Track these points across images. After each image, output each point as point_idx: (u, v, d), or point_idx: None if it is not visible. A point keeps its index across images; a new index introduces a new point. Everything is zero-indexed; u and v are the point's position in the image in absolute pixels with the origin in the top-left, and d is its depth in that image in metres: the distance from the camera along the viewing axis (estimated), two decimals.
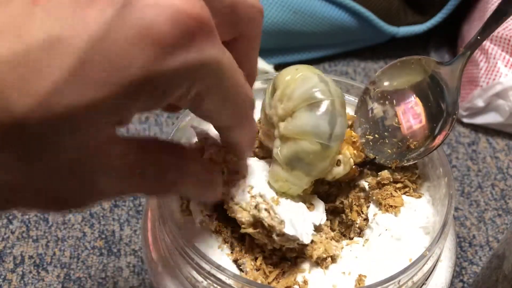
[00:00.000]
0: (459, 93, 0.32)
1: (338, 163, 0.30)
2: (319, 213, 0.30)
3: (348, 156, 0.30)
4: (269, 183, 0.29)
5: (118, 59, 0.17)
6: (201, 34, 0.19)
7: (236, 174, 0.29)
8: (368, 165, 0.33)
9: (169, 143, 0.23)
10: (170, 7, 0.18)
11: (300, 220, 0.28)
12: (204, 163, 0.27)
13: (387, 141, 0.33)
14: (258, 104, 0.30)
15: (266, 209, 0.27)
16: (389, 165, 0.32)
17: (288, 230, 0.27)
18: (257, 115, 0.31)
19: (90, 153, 0.19)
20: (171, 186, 0.22)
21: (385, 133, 0.33)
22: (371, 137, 0.33)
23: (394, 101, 0.34)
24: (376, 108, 0.34)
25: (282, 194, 0.29)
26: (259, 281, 0.28)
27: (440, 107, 0.32)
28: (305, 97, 0.27)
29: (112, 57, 0.17)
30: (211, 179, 0.25)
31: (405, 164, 0.32)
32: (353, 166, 0.31)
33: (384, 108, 0.34)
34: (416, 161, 0.32)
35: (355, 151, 0.31)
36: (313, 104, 0.27)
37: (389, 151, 0.33)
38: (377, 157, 0.33)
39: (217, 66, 0.20)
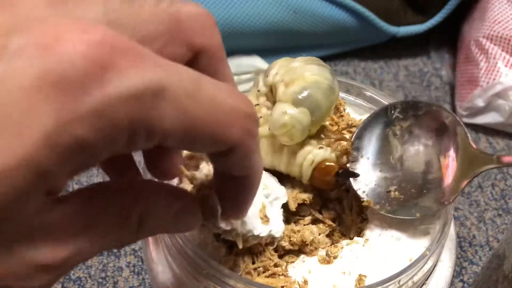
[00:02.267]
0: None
1: (321, 145, 0.31)
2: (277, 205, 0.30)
3: (330, 151, 0.31)
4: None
5: (19, 118, 0.14)
6: (118, 61, 0.15)
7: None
8: (346, 183, 0.31)
9: (121, 184, 0.19)
10: (72, 41, 0.15)
11: (255, 215, 0.28)
12: (172, 190, 0.21)
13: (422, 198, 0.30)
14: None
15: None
16: (363, 201, 0.30)
17: (230, 224, 0.27)
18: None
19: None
20: (140, 227, 0.19)
21: (424, 188, 0.30)
22: (400, 195, 0.30)
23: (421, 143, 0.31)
24: (406, 151, 0.31)
25: (283, 134, 0.29)
26: (259, 281, 0.28)
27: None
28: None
29: (12, 116, 0.14)
30: (185, 207, 0.21)
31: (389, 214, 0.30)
32: (335, 171, 0.30)
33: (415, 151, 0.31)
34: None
35: (339, 156, 0.31)
36: (320, 63, 0.31)
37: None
38: (365, 201, 0.30)
39: (164, 88, 0.16)
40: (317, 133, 0.32)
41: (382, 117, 0.32)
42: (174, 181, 0.31)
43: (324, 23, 0.64)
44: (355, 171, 0.31)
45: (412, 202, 0.30)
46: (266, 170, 0.31)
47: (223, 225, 0.26)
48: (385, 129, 0.32)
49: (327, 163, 0.30)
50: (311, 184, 0.31)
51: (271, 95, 0.31)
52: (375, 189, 0.30)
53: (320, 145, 0.31)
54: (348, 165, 0.31)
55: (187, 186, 0.27)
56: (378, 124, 0.32)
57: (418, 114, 0.31)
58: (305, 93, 0.29)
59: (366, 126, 0.32)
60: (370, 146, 0.31)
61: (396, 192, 0.30)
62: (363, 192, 0.31)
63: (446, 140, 0.31)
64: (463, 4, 0.65)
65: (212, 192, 0.26)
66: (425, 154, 0.31)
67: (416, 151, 0.31)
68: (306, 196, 0.31)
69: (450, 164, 0.30)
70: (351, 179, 0.31)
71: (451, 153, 0.30)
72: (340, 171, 0.30)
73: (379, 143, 0.31)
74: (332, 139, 0.31)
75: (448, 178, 0.30)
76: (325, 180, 0.30)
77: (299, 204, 0.31)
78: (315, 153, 0.30)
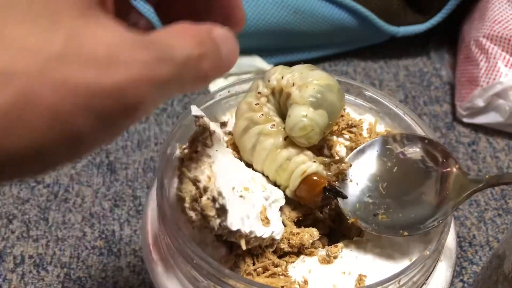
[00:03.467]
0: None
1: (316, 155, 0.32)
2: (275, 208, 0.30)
3: (323, 168, 0.31)
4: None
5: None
6: None
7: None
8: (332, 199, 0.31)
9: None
10: None
11: (253, 216, 0.28)
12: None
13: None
14: None
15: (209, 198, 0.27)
16: (349, 219, 0.30)
17: (236, 225, 0.27)
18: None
19: None
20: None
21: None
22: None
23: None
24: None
25: (302, 137, 0.30)
26: (259, 281, 0.28)
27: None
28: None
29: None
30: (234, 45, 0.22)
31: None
32: (323, 185, 0.30)
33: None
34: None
35: (331, 177, 0.31)
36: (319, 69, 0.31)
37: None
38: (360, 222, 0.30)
39: None
40: (318, 149, 0.33)
41: (375, 147, 0.32)
42: (175, 183, 0.31)
43: (324, 23, 0.64)
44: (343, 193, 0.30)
45: (398, 224, 0.30)
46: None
47: (230, 225, 0.26)
48: (377, 158, 0.32)
49: (316, 177, 0.30)
50: (296, 196, 0.31)
51: (273, 97, 0.32)
52: (362, 211, 0.30)
53: (314, 160, 0.31)
54: (337, 185, 0.31)
55: (190, 187, 0.27)
56: (371, 152, 0.32)
57: (411, 146, 0.32)
58: (322, 96, 0.30)
59: (358, 153, 0.32)
60: (360, 172, 0.32)
61: (384, 215, 0.30)
62: (350, 211, 0.30)
63: (437, 171, 0.31)
64: (463, 4, 0.65)
65: (220, 193, 0.26)
66: (415, 183, 0.31)
67: (406, 180, 0.31)
68: (299, 213, 0.31)
69: (439, 190, 0.30)
70: (339, 199, 0.30)
71: (440, 180, 0.31)
72: (328, 187, 0.30)
73: (370, 171, 0.32)
74: (327, 160, 0.32)
75: (437, 203, 0.30)
76: (310, 193, 0.30)
77: (300, 203, 0.31)
78: (309, 165, 0.30)
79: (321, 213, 0.32)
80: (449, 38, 0.69)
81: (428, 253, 0.28)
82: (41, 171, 0.17)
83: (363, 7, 0.64)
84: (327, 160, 0.32)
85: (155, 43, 0.18)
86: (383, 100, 0.36)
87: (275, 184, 0.31)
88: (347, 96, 0.36)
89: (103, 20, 0.17)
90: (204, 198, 0.26)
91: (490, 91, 0.57)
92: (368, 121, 0.36)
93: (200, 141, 0.29)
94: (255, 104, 0.31)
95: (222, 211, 0.26)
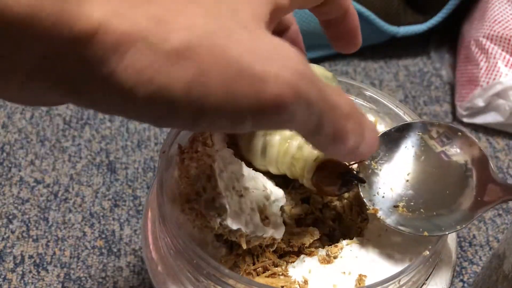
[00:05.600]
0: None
1: None
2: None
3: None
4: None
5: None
6: None
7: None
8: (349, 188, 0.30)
9: None
10: None
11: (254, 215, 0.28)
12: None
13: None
14: None
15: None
16: (368, 209, 0.29)
17: (236, 224, 0.27)
18: None
19: None
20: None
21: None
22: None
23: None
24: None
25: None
26: (259, 281, 0.28)
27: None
28: None
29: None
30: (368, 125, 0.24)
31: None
32: (339, 171, 0.29)
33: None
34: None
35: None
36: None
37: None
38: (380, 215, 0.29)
39: None
40: None
41: (404, 132, 0.31)
42: (175, 183, 0.31)
43: None
44: (362, 178, 0.29)
45: (419, 221, 0.28)
46: (262, 172, 0.31)
47: (230, 224, 0.26)
48: (404, 145, 0.31)
49: (331, 163, 0.29)
50: (313, 184, 0.30)
51: None
52: (382, 201, 0.29)
53: None
54: (354, 169, 0.30)
55: (190, 187, 0.27)
56: (398, 138, 0.31)
57: (442, 138, 0.30)
58: None
59: (384, 136, 0.31)
60: (385, 158, 0.30)
61: (404, 209, 0.29)
62: (370, 200, 0.30)
63: (466, 168, 0.29)
64: (463, 4, 0.65)
65: (220, 192, 0.26)
66: (442, 178, 0.29)
67: (432, 173, 0.30)
68: (300, 210, 0.31)
69: (467, 192, 0.29)
70: (359, 185, 0.29)
71: (470, 181, 0.29)
72: (344, 172, 0.29)
73: (395, 158, 0.30)
74: None
75: (463, 206, 0.28)
76: (327, 179, 0.29)
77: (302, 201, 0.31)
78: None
79: (321, 213, 0.32)
80: (449, 38, 0.69)
81: (428, 253, 0.28)
82: (229, 126, 0.19)
83: (363, 7, 0.64)
84: None
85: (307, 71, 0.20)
86: (383, 100, 0.36)
87: (292, 179, 0.31)
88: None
89: (266, 33, 0.20)
90: (204, 197, 0.26)
91: (490, 91, 0.57)
92: None
93: (200, 141, 0.29)
94: None
95: (222, 210, 0.26)
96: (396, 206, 0.29)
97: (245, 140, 0.31)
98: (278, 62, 0.19)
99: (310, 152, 0.30)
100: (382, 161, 0.30)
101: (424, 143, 0.30)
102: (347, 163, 0.30)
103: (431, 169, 0.30)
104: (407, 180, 0.30)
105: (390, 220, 0.29)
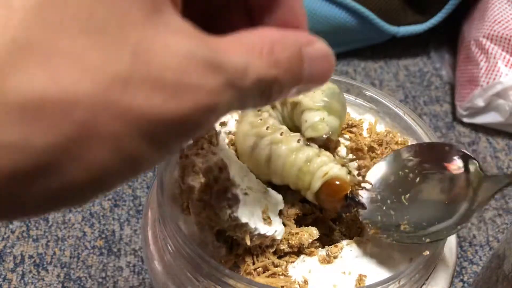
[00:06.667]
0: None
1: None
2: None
3: (346, 171, 0.30)
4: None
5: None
6: None
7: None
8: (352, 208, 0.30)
9: None
10: None
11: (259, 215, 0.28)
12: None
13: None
14: None
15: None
16: (370, 230, 0.30)
17: (245, 218, 0.27)
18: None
19: None
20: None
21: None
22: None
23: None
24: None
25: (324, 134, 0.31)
26: (259, 281, 0.28)
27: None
28: None
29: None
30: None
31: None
32: (345, 192, 0.29)
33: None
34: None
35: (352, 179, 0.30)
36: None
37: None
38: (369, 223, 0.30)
39: None
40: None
41: (395, 160, 0.32)
42: (175, 183, 0.31)
43: (324, 23, 0.64)
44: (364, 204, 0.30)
45: (422, 232, 0.29)
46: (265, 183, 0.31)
47: (240, 217, 0.26)
48: (398, 171, 0.31)
49: (338, 182, 0.29)
50: (316, 199, 0.30)
51: (274, 111, 0.32)
52: (384, 223, 0.30)
53: (335, 162, 0.30)
54: (359, 194, 0.30)
55: (199, 179, 0.27)
56: (391, 166, 0.32)
57: (430, 155, 0.31)
58: (333, 100, 0.31)
59: (379, 167, 0.32)
60: (382, 186, 0.31)
61: (406, 226, 0.29)
62: (371, 223, 0.30)
63: (460, 175, 0.30)
64: (463, 4, 0.65)
65: (234, 182, 0.26)
66: (438, 192, 0.30)
67: (428, 190, 0.30)
68: (299, 210, 0.31)
69: (465, 196, 0.30)
70: (359, 210, 0.30)
71: (466, 186, 0.30)
72: (350, 196, 0.29)
73: (391, 183, 0.31)
74: (346, 159, 0.31)
75: (462, 209, 0.29)
76: (331, 198, 0.29)
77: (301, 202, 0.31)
78: (331, 166, 0.29)
79: (321, 213, 0.32)
80: (449, 38, 0.69)
81: (428, 253, 0.28)
82: (99, 195, 0.16)
83: (363, 7, 0.64)
84: (346, 159, 0.31)
85: (225, 63, 0.17)
86: (383, 100, 0.36)
87: (296, 189, 0.31)
88: (347, 96, 0.36)
89: (174, 22, 0.16)
90: (216, 188, 0.26)
91: (490, 91, 0.57)
92: (368, 121, 0.36)
93: (206, 139, 0.29)
94: (259, 121, 0.31)
95: (234, 201, 0.26)
96: (398, 226, 0.29)
97: (247, 148, 0.31)
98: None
99: (318, 167, 0.29)
100: (379, 189, 0.31)
101: (412, 165, 0.31)
102: (352, 187, 0.29)
103: (428, 187, 0.31)
104: (406, 202, 0.30)
105: (392, 238, 0.29)
